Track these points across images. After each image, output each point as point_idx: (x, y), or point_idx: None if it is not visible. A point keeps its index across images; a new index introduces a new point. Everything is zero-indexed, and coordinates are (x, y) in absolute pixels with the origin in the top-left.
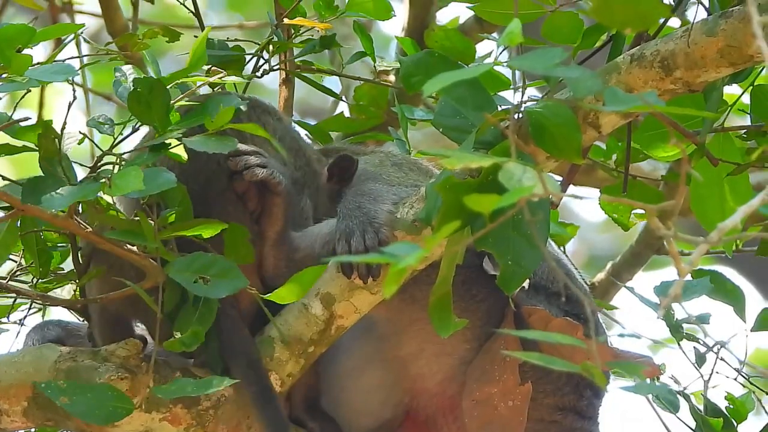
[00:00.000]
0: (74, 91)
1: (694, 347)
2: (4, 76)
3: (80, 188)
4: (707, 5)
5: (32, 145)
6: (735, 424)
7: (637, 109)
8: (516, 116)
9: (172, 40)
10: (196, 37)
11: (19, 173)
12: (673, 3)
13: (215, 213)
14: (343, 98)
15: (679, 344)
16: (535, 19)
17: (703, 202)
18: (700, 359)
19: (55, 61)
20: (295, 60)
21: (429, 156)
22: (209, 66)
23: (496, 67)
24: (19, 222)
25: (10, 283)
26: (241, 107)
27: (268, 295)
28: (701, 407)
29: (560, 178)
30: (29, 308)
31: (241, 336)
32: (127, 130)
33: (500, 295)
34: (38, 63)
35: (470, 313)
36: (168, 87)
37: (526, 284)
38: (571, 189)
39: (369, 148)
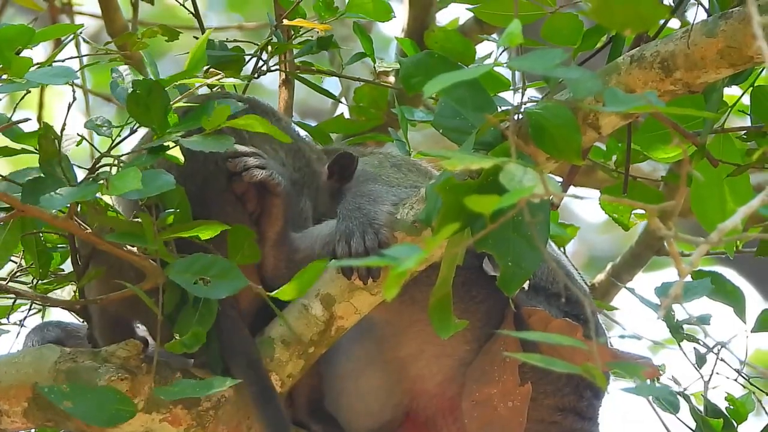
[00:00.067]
0: (74, 92)
1: (695, 348)
2: (3, 77)
3: (79, 189)
4: (707, 6)
5: (31, 148)
6: (735, 425)
7: (637, 110)
8: (516, 117)
9: (171, 40)
10: (195, 38)
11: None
12: (672, 4)
13: (214, 214)
14: (343, 100)
15: (679, 345)
16: (534, 20)
17: (704, 202)
18: (701, 360)
19: (54, 62)
20: (295, 61)
21: (429, 157)
22: (208, 67)
23: (496, 68)
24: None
25: (10, 284)
26: (240, 108)
27: (272, 293)
28: (701, 408)
29: (560, 179)
30: (29, 309)
31: (241, 336)
32: (126, 132)
33: (500, 296)
34: (38, 64)
35: (470, 314)
36: (167, 89)
37: (525, 285)
38: (571, 190)
39: (368, 149)
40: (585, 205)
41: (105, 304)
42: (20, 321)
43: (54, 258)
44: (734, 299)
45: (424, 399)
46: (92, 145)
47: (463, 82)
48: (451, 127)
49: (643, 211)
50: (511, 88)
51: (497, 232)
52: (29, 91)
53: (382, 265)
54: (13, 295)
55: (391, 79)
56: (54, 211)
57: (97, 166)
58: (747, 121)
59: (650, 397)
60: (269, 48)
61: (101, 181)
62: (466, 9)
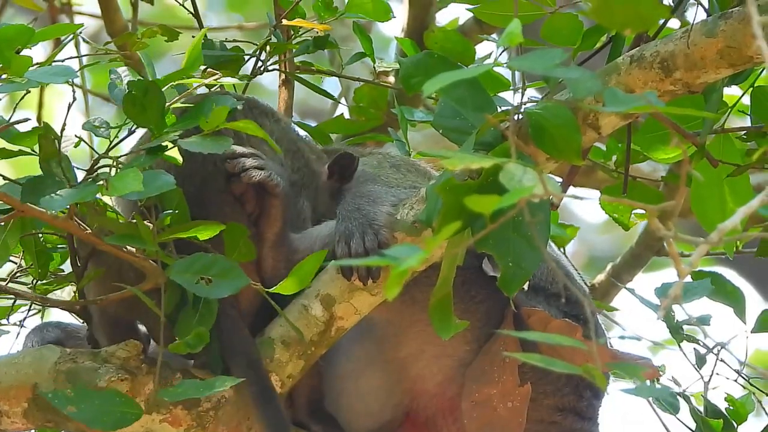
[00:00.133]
0: (74, 92)
1: (695, 348)
2: (3, 77)
3: (79, 190)
4: (707, 6)
5: (29, 150)
6: (735, 426)
7: (637, 110)
8: (516, 117)
9: (171, 40)
10: (195, 38)
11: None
12: (672, 4)
13: (212, 215)
14: (342, 100)
15: (679, 345)
16: (534, 20)
17: (704, 203)
18: (700, 360)
19: (54, 61)
20: (295, 61)
21: (429, 157)
22: (206, 67)
23: (496, 68)
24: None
25: (9, 284)
26: (238, 108)
27: (272, 289)
28: (701, 408)
29: (560, 179)
30: (29, 310)
31: (241, 336)
32: (124, 133)
33: (499, 297)
34: (37, 64)
35: (470, 314)
36: (164, 89)
37: (525, 286)
38: (571, 190)
39: (367, 150)
40: (585, 205)
41: (105, 304)
42: (20, 321)
43: (54, 258)
44: (734, 300)
45: (424, 399)
46: (90, 146)
47: (462, 82)
48: (451, 127)
49: (643, 211)
50: (511, 88)
51: (497, 232)
52: (29, 91)
53: (382, 265)
54: (12, 296)
55: (391, 79)
56: (54, 211)
57: (95, 167)
58: (747, 121)
59: (650, 398)
60: (268, 48)
61: (101, 182)
62: (466, 9)
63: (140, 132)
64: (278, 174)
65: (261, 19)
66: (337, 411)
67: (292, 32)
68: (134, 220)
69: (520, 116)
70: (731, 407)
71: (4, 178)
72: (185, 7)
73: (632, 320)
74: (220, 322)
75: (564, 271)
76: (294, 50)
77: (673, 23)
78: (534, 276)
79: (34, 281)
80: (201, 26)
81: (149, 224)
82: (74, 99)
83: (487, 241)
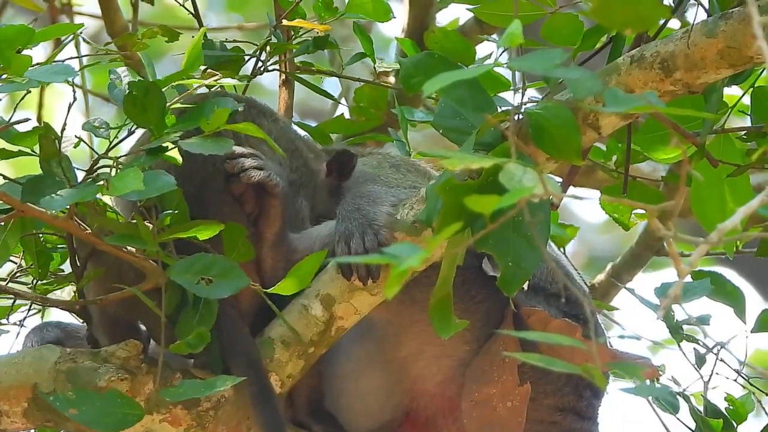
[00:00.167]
0: (74, 92)
1: (694, 348)
2: (3, 76)
3: (79, 190)
4: (707, 6)
5: (29, 150)
6: (735, 425)
7: (637, 110)
8: (516, 117)
9: (171, 40)
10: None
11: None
12: (672, 4)
13: (212, 215)
14: (343, 100)
15: (679, 345)
16: (534, 20)
17: (704, 203)
18: (700, 360)
19: (54, 61)
20: (295, 61)
21: (429, 157)
22: (206, 67)
23: (496, 68)
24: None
25: (9, 284)
26: (237, 108)
27: (271, 289)
28: (701, 408)
29: (560, 179)
30: (29, 310)
31: (241, 336)
32: (123, 133)
33: (499, 297)
34: (38, 63)
35: (470, 314)
36: (164, 89)
37: (525, 285)
38: (571, 190)
39: (367, 150)
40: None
41: (105, 304)
42: (20, 321)
43: (54, 258)
44: (734, 299)
45: (424, 399)
46: (90, 147)
47: (462, 82)
48: (451, 128)
49: (643, 211)
50: (511, 88)
51: (497, 232)
52: (29, 91)
53: (382, 264)
54: (12, 296)
55: (391, 79)
56: (54, 211)
57: (95, 167)
58: (747, 122)
59: (650, 398)
60: (268, 48)
61: (101, 182)
62: (466, 9)
63: (140, 132)
64: (277, 174)
65: (261, 19)
66: (337, 411)
67: (292, 32)
68: (134, 220)
69: (520, 116)
70: (731, 407)
71: (4, 177)
72: (185, 8)
73: (632, 320)
74: (221, 322)
75: (564, 271)
76: (294, 50)
77: (674, 23)
78: (534, 276)
79: (34, 281)
80: (201, 26)
81: (149, 224)
82: (74, 99)
83: (487, 241)
